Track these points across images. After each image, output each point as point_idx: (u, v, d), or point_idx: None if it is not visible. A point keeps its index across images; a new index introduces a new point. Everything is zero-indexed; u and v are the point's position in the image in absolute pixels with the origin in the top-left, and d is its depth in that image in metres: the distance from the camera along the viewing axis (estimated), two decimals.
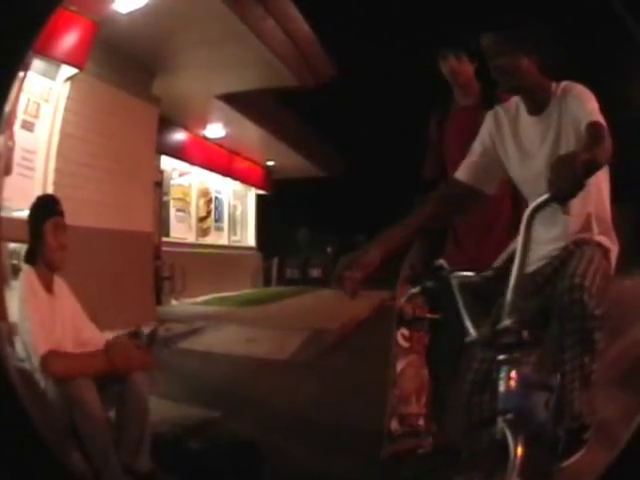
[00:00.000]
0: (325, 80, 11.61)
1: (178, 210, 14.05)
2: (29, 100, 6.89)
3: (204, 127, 13.44)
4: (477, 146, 2.37)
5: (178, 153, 13.17)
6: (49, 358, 2.67)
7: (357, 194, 20.45)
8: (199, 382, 5.64)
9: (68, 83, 7.24)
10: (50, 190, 6.98)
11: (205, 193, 15.68)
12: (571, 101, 2.16)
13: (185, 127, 13.09)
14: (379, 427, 3.26)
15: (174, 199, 13.87)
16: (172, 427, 3.65)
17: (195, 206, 15.00)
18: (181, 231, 14.06)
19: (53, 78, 7.13)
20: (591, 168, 1.70)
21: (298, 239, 21.72)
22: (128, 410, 2.89)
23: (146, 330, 3.18)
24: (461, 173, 2.37)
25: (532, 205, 1.82)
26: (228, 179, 16.43)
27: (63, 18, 6.50)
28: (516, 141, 2.30)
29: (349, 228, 18.02)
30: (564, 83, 2.22)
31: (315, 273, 19.42)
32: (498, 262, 2.06)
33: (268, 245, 18.45)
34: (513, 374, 1.85)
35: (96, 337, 3.06)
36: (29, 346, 2.72)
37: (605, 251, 2.24)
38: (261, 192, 18.91)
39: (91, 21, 6.97)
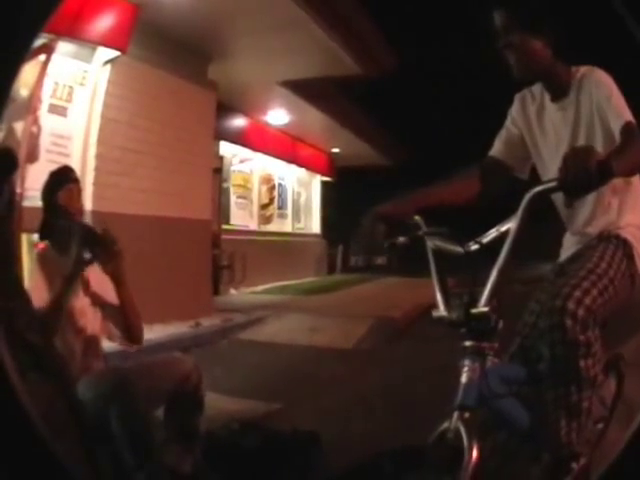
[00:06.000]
0: (389, 69, 11.31)
1: (239, 197, 13.86)
2: (58, 84, 6.69)
3: (265, 113, 13.22)
4: (506, 128, 2.33)
5: (239, 139, 12.99)
6: None
7: (421, 181, 20.18)
8: (260, 374, 5.52)
9: (108, 66, 7.08)
10: (90, 177, 6.88)
11: (268, 180, 15.52)
12: (594, 87, 2.06)
13: (245, 113, 12.90)
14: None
15: (234, 186, 13.66)
16: (228, 422, 3.35)
17: (257, 193, 14.83)
18: (242, 218, 13.89)
19: (88, 61, 6.97)
20: (605, 175, 1.54)
21: None
22: (179, 408, 2.63)
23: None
24: (494, 150, 2.33)
25: (537, 188, 1.67)
26: (292, 166, 16.24)
27: (96, 1, 6.40)
28: (540, 127, 2.23)
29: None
30: (583, 68, 2.13)
31: (380, 261, 19.21)
32: (486, 237, 1.80)
33: (333, 232, 18.22)
34: (478, 365, 1.63)
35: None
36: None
37: (629, 250, 2.08)
38: (326, 179, 18.72)
39: (130, 4, 6.81)
